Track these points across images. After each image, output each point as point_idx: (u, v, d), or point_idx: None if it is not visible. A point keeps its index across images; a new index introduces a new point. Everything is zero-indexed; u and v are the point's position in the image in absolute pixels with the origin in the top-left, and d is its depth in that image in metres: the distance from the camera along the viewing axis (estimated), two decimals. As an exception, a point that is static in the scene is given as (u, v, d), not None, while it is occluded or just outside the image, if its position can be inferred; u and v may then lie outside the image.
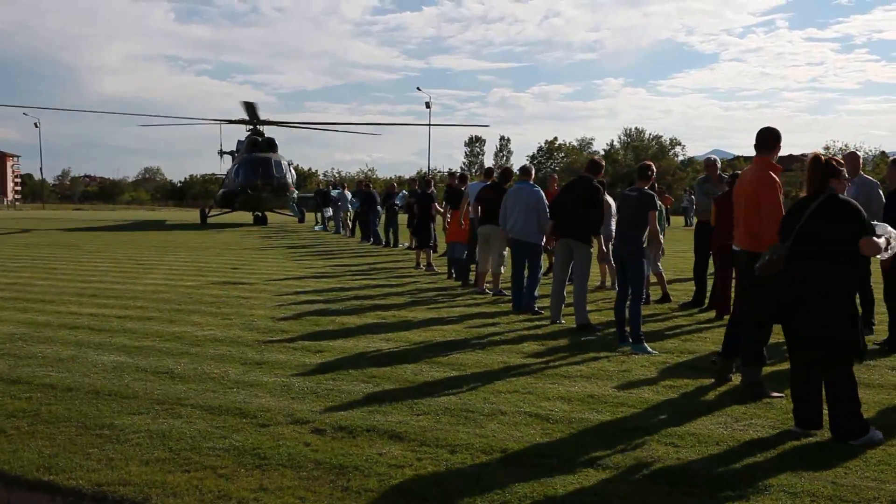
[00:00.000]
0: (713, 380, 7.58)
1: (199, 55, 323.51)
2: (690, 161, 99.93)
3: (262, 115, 46.28)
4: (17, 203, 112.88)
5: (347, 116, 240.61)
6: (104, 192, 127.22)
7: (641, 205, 9.28)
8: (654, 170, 9.56)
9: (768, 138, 7.25)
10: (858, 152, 12.50)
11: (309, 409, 6.57)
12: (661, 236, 12.34)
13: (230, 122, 47.62)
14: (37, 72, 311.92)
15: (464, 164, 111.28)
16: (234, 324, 10.61)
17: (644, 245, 9.36)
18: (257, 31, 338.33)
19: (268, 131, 45.83)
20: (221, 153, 52.28)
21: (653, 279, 12.92)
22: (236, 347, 9.06)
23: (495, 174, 14.87)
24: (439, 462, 5.35)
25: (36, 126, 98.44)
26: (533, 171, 12.74)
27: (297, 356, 8.64)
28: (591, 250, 10.71)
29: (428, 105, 73.57)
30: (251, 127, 45.84)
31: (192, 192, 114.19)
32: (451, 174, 18.88)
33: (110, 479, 5.01)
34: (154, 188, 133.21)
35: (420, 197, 19.29)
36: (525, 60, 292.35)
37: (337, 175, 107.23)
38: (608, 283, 14.57)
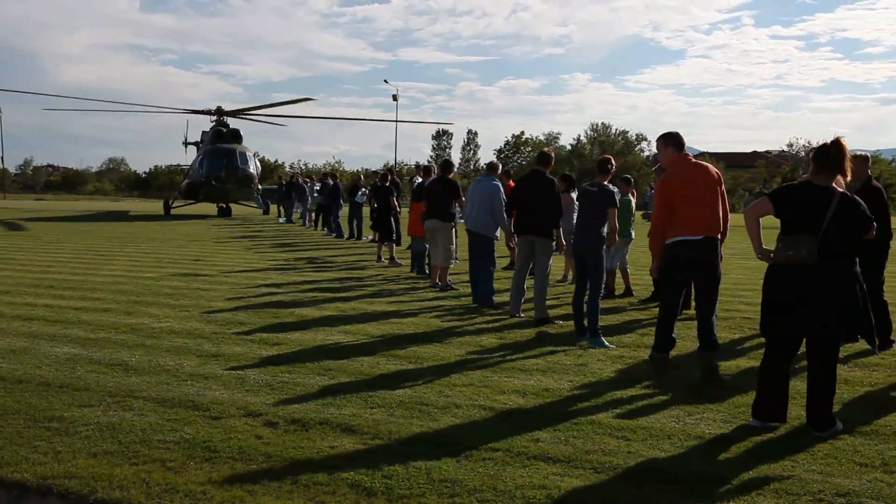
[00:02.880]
0: (662, 375, 7.62)
1: (165, 45, 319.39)
2: (656, 157, 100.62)
3: (228, 107, 46.04)
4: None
5: (314, 109, 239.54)
6: (67, 182, 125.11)
7: (602, 201, 9.32)
8: (614, 164, 9.61)
9: (683, 139, 7.84)
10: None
11: (263, 402, 6.53)
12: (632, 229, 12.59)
13: (197, 111, 47.31)
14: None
15: (430, 157, 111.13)
16: (191, 316, 10.53)
17: (606, 239, 9.43)
18: (223, 20, 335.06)
19: (233, 122, 45.56)
20: (186, 144, 51.82)
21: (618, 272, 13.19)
22: (193, 340, 8.99)
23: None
24: (391, 455, 5.35)
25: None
26: (499, 168, 12.84)
27: (253, 349, 8.59)
28: (553, 245, 10.73)
29: (395, 98, 73.59)
30: (216, 118, 45.53)
31: (157, 182, 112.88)
32: (426, 168, 18.76)
33: (56, 472, 4.95)
34: (118, 179, 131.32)
35: (378, 190, 19.24)
36: (493, 54, 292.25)
37: (303, 167, 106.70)
38: (570, 278, 14.62)
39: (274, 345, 8.80)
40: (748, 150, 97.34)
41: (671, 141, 7.76)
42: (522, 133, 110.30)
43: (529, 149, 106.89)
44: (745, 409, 6.42)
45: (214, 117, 45.87)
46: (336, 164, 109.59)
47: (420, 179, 17.26)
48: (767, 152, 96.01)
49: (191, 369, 7.64)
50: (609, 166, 9.44)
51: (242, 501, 4.59)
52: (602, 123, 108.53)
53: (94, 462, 5.15)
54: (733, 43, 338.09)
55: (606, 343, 9.04)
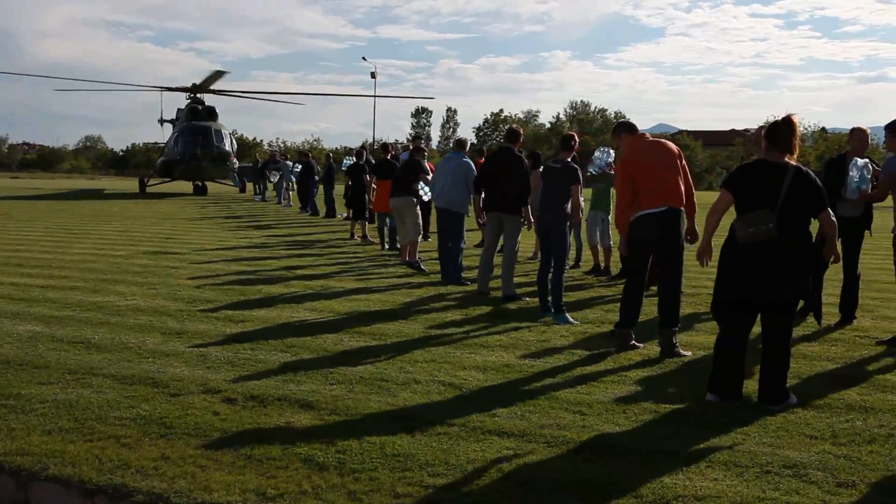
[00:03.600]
0: (624, 350, 7.70)
1: (142, 21, 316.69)
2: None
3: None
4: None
5: (293, 86, 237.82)
6: (43, 160, 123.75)
7: (565, 177, 9.34)
8: (577, 140, 9.63)
9: (633, 123, 8.13)
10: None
11: (222, 379, 6.54)
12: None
13: (171, 89, 46.96)
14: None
15: (409, 134, 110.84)
16: (158, 294, 10.49)
17: (571, 216, 9.49)
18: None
19: (210, 100, 45.23)
20: (162, 121, 51.39)
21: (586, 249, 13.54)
22: (157, 317, 8.97)
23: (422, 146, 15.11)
24: (346, 430, 5.37)
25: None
26: (468, 144, 12.90)
27: (217, 326, 8.58)
28: (521, 221, 10.76)
29: (373, 75, 73.09)
30: (191, 95, 45.18)
31: (135, 160, 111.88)
32: (384, 146, 18.77)
33: (8, 449, 4.96)
34: (95, 157, 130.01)
35: (352, 168, 19.22)
36: (473, 31, 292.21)
37: (282, 145, 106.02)
38: (540, 255, 14.68)
39: (239, 322, 8.80)
40: (726, 128, 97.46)
41: (623, 129, 8.01)
42: (501, 111, 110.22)
43: (508, 126, 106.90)
44: (701, 384, 6.45)
45: (190, 94, 45.50)
46: (315, 143, 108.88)
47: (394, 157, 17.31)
48: (746, 130, 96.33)
49: (153, 346, 7.63)
50: (572, 143, 9.46)
51: (194, 477, 4.60)
52: (581, 101, 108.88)
53: (48, 439, 5.15)
54: (713, 21, 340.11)
55: (571, 319, 9.09)
